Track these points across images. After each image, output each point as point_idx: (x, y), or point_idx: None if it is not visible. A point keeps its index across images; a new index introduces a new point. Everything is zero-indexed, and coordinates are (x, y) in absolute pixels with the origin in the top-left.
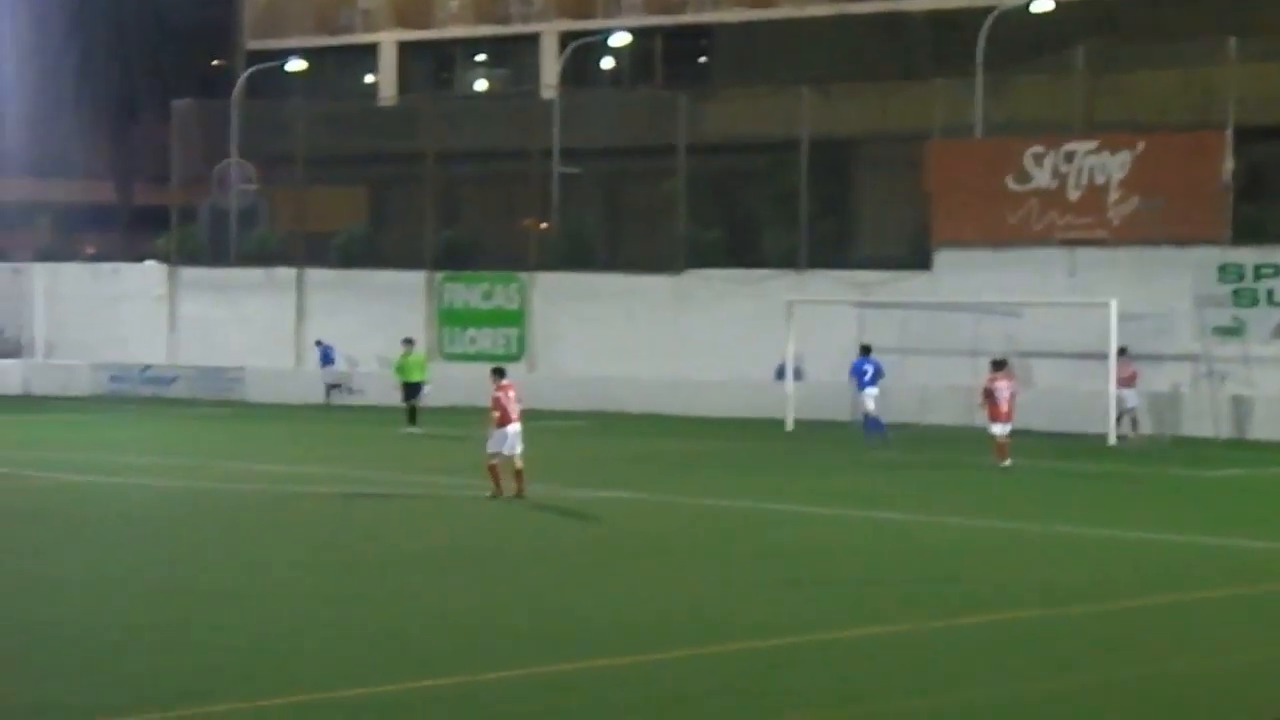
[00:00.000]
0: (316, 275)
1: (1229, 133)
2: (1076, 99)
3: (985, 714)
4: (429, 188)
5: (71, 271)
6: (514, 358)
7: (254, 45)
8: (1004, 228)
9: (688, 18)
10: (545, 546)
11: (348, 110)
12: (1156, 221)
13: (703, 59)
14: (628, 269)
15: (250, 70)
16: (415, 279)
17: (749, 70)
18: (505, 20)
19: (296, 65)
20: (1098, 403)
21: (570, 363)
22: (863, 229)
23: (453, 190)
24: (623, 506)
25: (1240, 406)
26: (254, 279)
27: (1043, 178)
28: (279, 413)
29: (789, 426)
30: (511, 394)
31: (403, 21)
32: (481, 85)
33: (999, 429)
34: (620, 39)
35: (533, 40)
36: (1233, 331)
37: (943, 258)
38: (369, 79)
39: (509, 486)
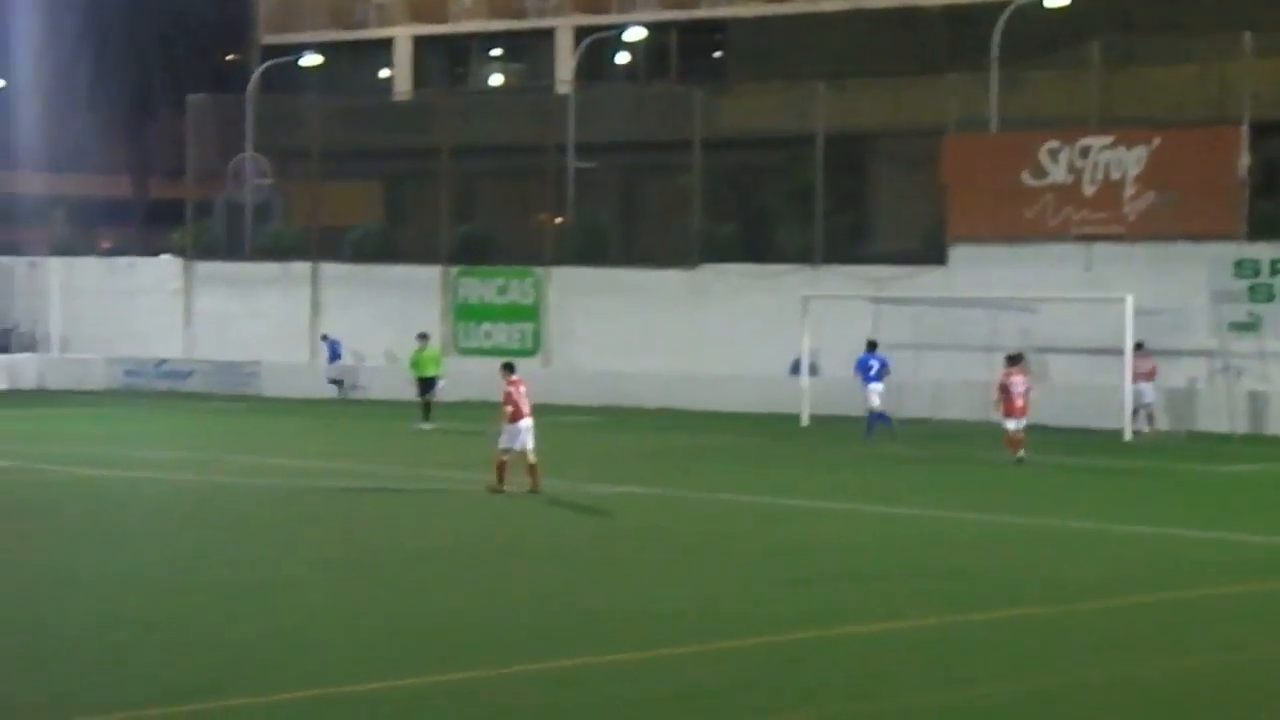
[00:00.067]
0: (331, 270)
1: (1245, 128)
2: (1092, 94)
3: (999, 709)
4: (444, 182)
5: (87, 266)
6: (529, 352)
7: (269, 40)
8: (1019, 223)
9: (703, 12)
10: (560, 541)
11: (363, 105)
12: (1172, 217)
13: (718, 54)
14: (643, 264)
15: (265, 65)
16: (430, 274)
17: (764, 65)
18: (520, 15)
19: (311, 60)
20: (1113, 398)
21: (585, 357)
22: (878, 224)
23: (468, 185)
24: (637, 501)
25: (1256, 402)
26: (269, 273)
27: (1058, 173)
28: (294, 407)
29: (804, 422)
30: (522, 389)
31: (417, 16)
32: (496, 80)
33: (1013, 423)
34: (635, 34)
35: (548, 35)
36: (1249, 327)
37: (958, 253)
38: (384, 74)
39: (522, 482)
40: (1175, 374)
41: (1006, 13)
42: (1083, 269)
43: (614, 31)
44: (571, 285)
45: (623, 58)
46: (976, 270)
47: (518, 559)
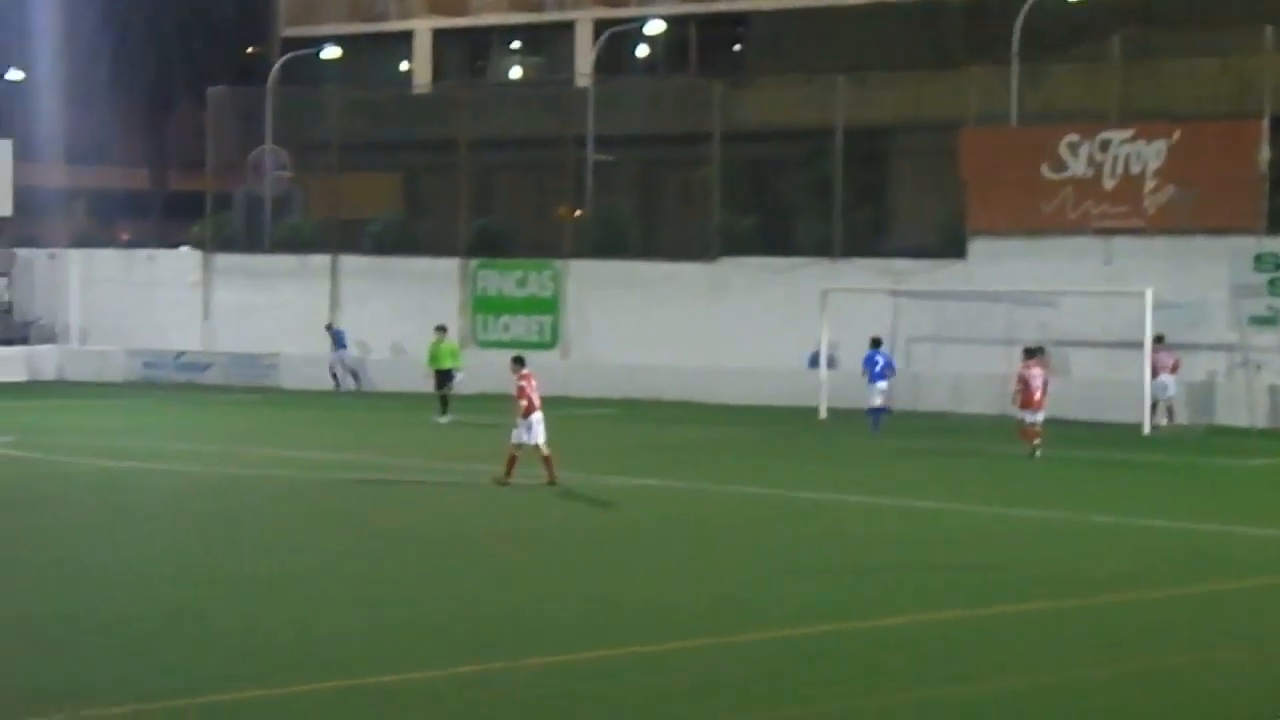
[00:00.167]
0: (350, 262)
1: (1265, 122)
2: (1112, 87)
3: (1017, 703)
4: (463, 175)
5: (106, 258)
6: (548, 345)
7: (289, 33)
8: (1039, 216)
9: (722, 5)
10: (577, 534)
11: (382, 98)
12: (1192, 210)
13: (737, 47)
14: (662, 257)
15: (285, 57)
16: (449, 266)
17: (784, 58)
18: (540, 7)
19: (331, 53)
20: (1132, 392)
21: (604, 350)
22: (897, 217)
23: (487, 178)
24: (655, 494)
25: (1276, 396)
26: (288, 266)
27: (1078, 166)
28: (312, 399)
29: (822, 415)
30: (534, 382)
31: (437, 9)
32: (516, 73)
33: (1030, 416)
34: (655, 27)
35: (567, 28)
36: (1268, 321)
37: (977, 246)
38: (404, 66)
39: (539, 475)
40: (1195, 368)
41: (1026, 6)
42: (1102, 263)
43: (633, 24)
44: (590, 278)
45: (642, 51)
46: (996, 264)
47: (534, 551)
